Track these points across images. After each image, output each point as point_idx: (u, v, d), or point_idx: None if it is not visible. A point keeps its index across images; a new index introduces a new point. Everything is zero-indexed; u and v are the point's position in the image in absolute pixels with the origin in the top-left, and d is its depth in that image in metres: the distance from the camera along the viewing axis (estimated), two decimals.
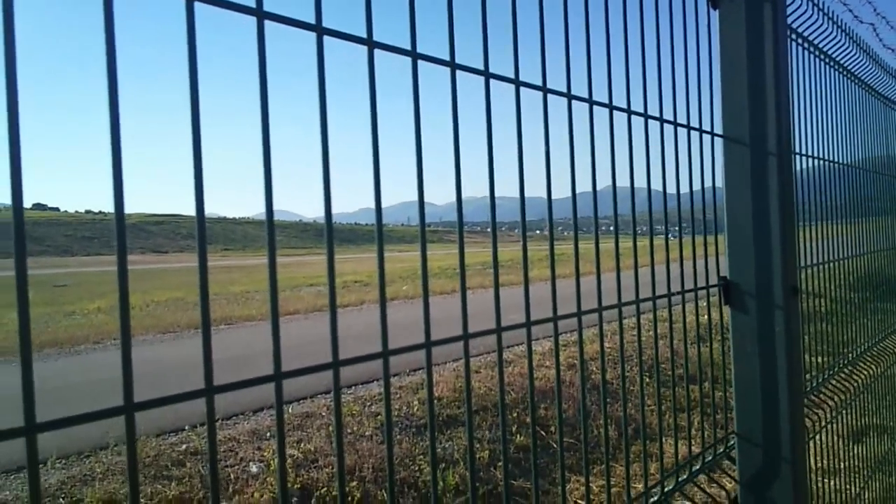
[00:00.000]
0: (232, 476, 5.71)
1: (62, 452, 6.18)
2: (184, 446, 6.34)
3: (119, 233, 0.87)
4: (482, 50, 1.38)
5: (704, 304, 2.29)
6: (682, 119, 2.08)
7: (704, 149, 2.20)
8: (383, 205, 1.20)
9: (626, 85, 1.82)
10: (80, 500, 5.28)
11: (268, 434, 6.69)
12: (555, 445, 6.80)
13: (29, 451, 0.78)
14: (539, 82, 1.52)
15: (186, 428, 6.86)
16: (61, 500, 5.28)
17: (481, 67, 1.37)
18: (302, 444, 6.36)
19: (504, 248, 1.49)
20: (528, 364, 1.58)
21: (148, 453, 6.06)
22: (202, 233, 0.92)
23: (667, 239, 2.20)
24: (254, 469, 5.87)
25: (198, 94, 0.90)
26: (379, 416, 7.13)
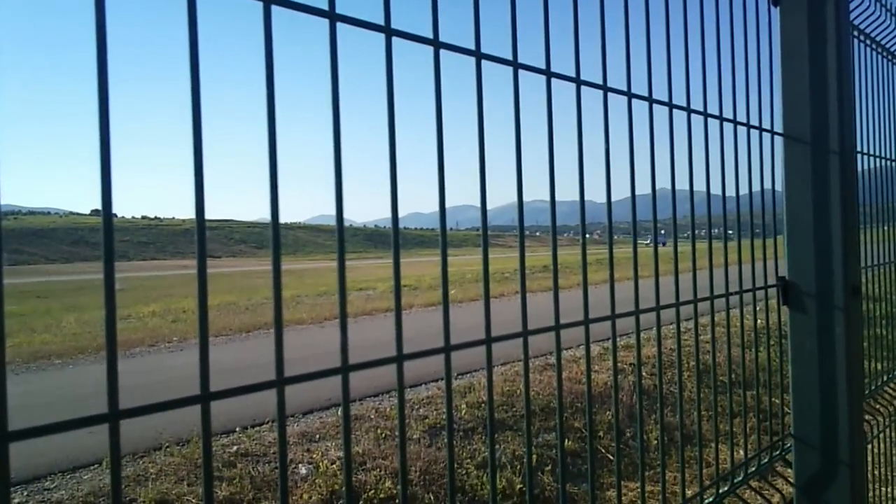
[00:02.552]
0: None
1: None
2: (234, 448, 6.42)
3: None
4: (544, 49, 1.37)
5: (761, 307, 2.25)
6: (741, 117, 2.06)
7: (764, 148, 2.17)
8: (429, 210, 1.20)
9: (685, 83, 1.80)
10: (133, 500, 5.38)
11: (317, 436, 6.75)
12: (603, 451, 6.74)
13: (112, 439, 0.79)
14: (599, 81, 1.51)
15: (237, 430, 6.95)
16: None
17: (541, 66, 1.36)
18: (351, 447, 6.40)
19: (559, 252, 1.47)
20: (586, 364, 1.56)
21: (199, 454, 6.14)
22: (276, 238, 0.93)
23: (725, 240, 2.17)
24: (303, 471, 5.92)
25: (274, 101, 0.91)
26: (427, 419, 7.15)
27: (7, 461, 0.81)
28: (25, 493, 5.61)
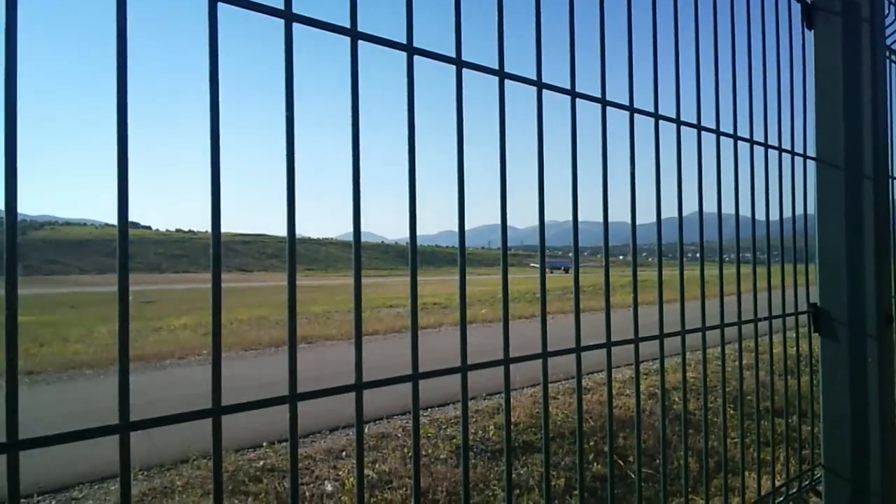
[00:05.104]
0: (307, 494, 5.76)
1: (144, 465, 6.35)
2: (261, 462, 6.43)
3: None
4: (569, 70, 1.37)
5: (792, 335, 2.21)
6: (772, 141, 2.03)
7: (796, 172, 2.14)
8: (470, 225, 1.20)
9: (715, 106, 1.79)
10: None
11: (343, 453, 6.74)
12: (632, 475, 6.64)
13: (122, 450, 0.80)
14: (626, 102, 1.50)
15: (264, 444, 6.97)
16: None
17: (568, 87, 1.36)
18: (377, 465, 6.37)
19: (585, 274, 1.46)
20: (607, 387, 1.54)
21: (227, 468, 6.17)
22: (292, 253, 0.94)
23: (754, 264, 2.13)
24: (328, 488, 5.91)
25: (293, 116, 0.92)
26: (455, 440, 7.11)
27: (17, 469, 0.82)
28: (54, 503, 5.67)
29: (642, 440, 1.68)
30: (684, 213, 1.76)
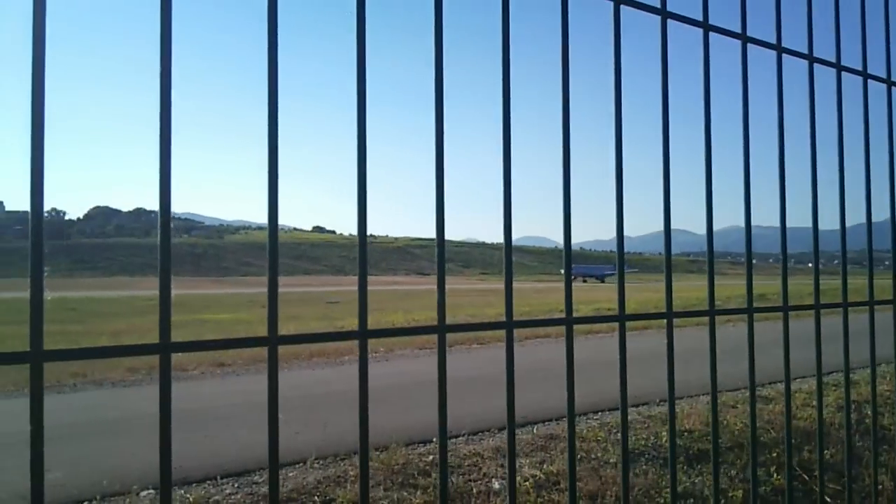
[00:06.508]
0: (474, 490, 5.83)
1: (321, 453, 6.67)
2: (430, 457, 6.58)
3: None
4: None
5: None
6: None
7: None
8: (638, 233, 1.16)
9: None
10: (332, 500, 5.64)
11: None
12: (816, 489, 6.21)
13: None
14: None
15: (434, 440, 7.12)
16: (316, 497, 5.68)
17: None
18: (545, 465, 6.35)
19: (764, 282, 1.38)
20: (785, 401, 1.45)
21: (397, 461, 6.36)
22: (508, 257, 0.95)
23: None
24: (496, 485, 5.95)
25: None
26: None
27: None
28: (236, 485, 6.05)
29: (830, 455, 1.57)
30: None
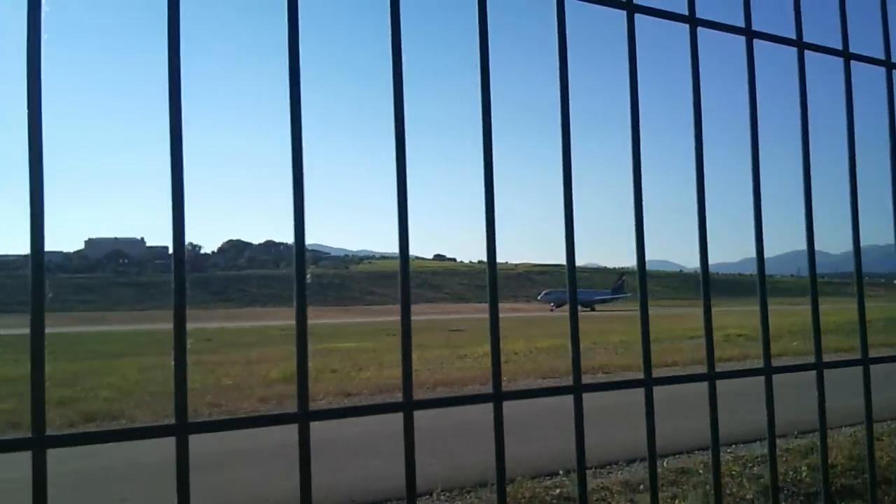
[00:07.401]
0: None
1: (447, 485, 6.69)
2: (557, 490, 6.49)
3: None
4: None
5: None
6: None
7: None
8: (775, 252, 1.13)
9: None
10: None
11: (640, 486, 6.57)
12: None
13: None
14: None
15: (561, 472, 7.01)
16: None
17: None
18: (676, 501, 6.14)
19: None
20: None
21: (523, 494, 6.30)
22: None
23: None
24: None
25: (570, 152, 0.93)
26: (762, 479, 6.63)
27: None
28: None
29: None
30: None
